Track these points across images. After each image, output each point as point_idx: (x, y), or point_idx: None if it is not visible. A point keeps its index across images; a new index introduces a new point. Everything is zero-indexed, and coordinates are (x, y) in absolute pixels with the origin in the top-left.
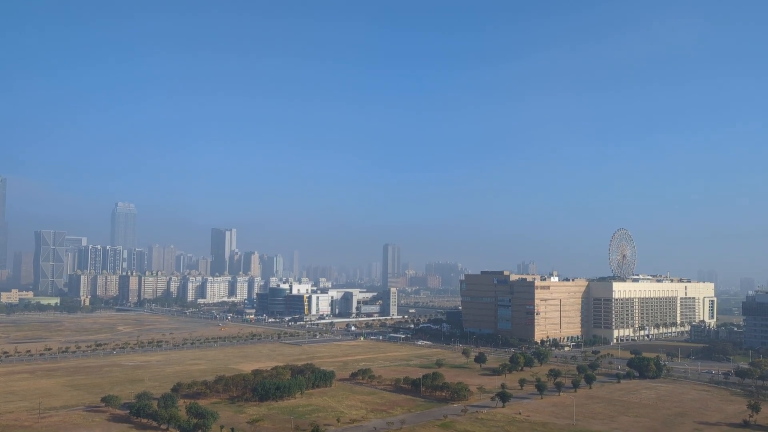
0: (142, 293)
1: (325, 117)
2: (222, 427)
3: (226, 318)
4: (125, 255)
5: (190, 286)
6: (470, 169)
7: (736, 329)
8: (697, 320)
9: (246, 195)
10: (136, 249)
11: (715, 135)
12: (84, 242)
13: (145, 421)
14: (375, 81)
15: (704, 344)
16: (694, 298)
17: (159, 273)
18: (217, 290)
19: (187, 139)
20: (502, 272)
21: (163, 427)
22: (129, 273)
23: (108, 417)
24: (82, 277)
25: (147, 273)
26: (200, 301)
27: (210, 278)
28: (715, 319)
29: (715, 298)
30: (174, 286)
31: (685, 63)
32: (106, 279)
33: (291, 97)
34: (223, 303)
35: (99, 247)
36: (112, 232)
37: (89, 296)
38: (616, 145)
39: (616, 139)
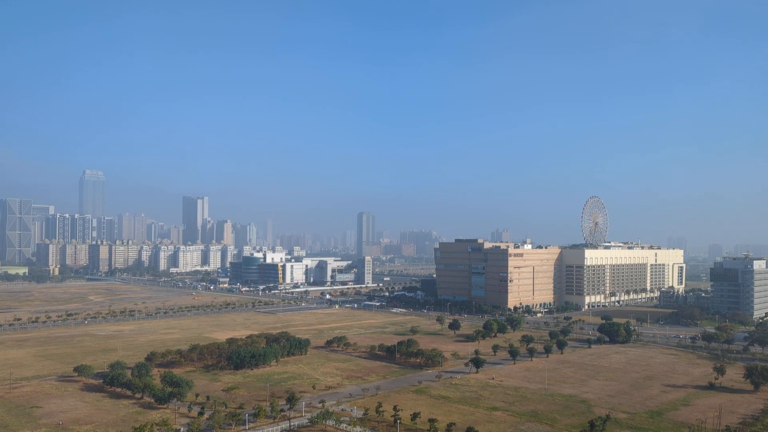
0: (112, 263)
1: (300, 79)
2: (197, 395)
3: (199, 287)
4: (94, 224)
5: (162, 255)
6: (444, 138)
7: (703, 295)
8: (666, 286)
9: (218, 162)
10: (106, 218)
11: (684, 103)
12: (51, 211)
13: (119, 390)
14: (350, 39)
15: (673, 309)
16: (663, 264)
17: (130, 242)
18: (189, 259)
19: (156, 105)
20: (476, 240)
21: (138, 396)
22: (99, 242)
23: (81, 386)
24: (51, 246)
25: (117, 242)
26: (172, 270)
27: (182, 247)
28: (683, 285)
29: (684, 265)
30: (145, 256)
31: (661, 24)
32: (75, 248)
33: (266, 57)
34: (196, 272)
35: (67, 215)
36: (81, 200)
37: (58, 266)
38: (589, 113)
39: (588, 108)
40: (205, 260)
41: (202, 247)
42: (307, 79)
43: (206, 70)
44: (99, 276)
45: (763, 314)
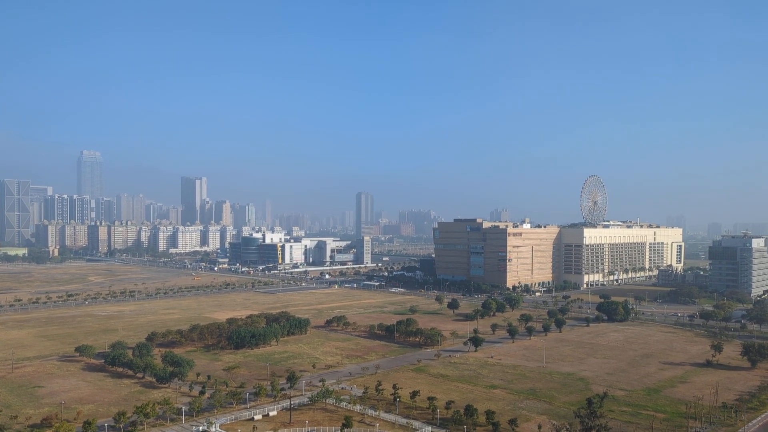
0: (112, 243)
1: (297, 58)
2: (198, 374)
3: (199, 267)
4: (93, 205)
5: (161, 235)
6: (443, 116)
7: (702, 273)
8: (665, 265)
9: (216, 143)
10: (104, 198)
11: (683, 77)
12: (50, 192)
13: (120, 369)
14: (345, 16)
15: (671, 288)
16: (662, 243)
17: (129, 223)
18: (188, 240)
19: (153, 85)
20: (474, 220)
21: (139, 375)
22: (98, 223)
23: (83, 366)
24: (50, 227)
25: (116, 223)
26: (172, 250)
27: (181, 228)
28: (682, 264)
29: (682, 243)
30: (144, 236)
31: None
32: (74, 229)
33: (260, 36)
34: (195, 252)
35: (65, 196)
36: (78, 181)
37: (58, 246)
38: (588, 89)
39: (587, 83)
40: (204, 241)
41: (201, 227)
42: (304, 57)
43: (202, 50)
44: (98, 257)
45: (761, 292)
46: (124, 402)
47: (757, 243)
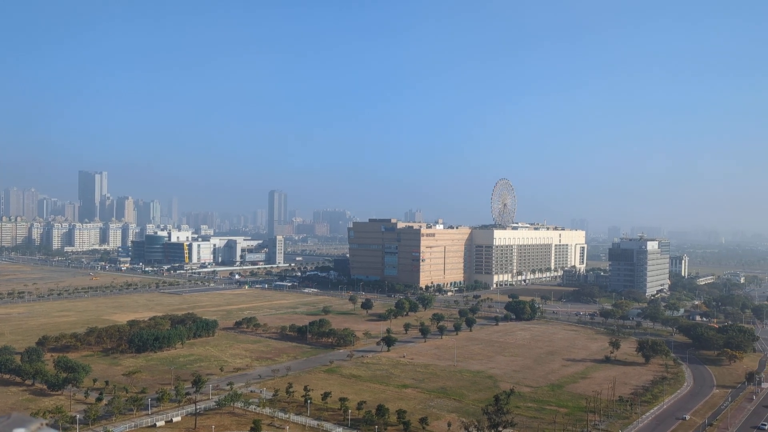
0: None
1: (203, 49)
2: (95, 380)
3: (98, 267)
4: None
5: (55, 233)
6: (357, 114)
7: (602, 273)
8: (569, 265)
9: (117, 136)
10: None
11: (583, 94)
12: None
13: (7, 376)
14: (251, 15)
15: (575, 288)
16: (567, 245)
17: (18, 219)
18: (86, 237)
19: (44, 72)
20: (389, 220)
21: (28, 382)
22: None
23: None
24: None
25: (4, 219)
26: (67, 249)
27: (78, 225)
28: (585, 264)
29: (585, 245)
30: (36, 233)
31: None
32: None
33: (166, 25)
34: (94, 251)
35: None
36: None
37: None
38: (501, 102)
39: (499, 97)
40: (104, 239)
41: (100, 224)
42: (213, 49)
43: (103, 39)
44: None
45: (655, 292)
46: (11, 411)
47: (651, 245)
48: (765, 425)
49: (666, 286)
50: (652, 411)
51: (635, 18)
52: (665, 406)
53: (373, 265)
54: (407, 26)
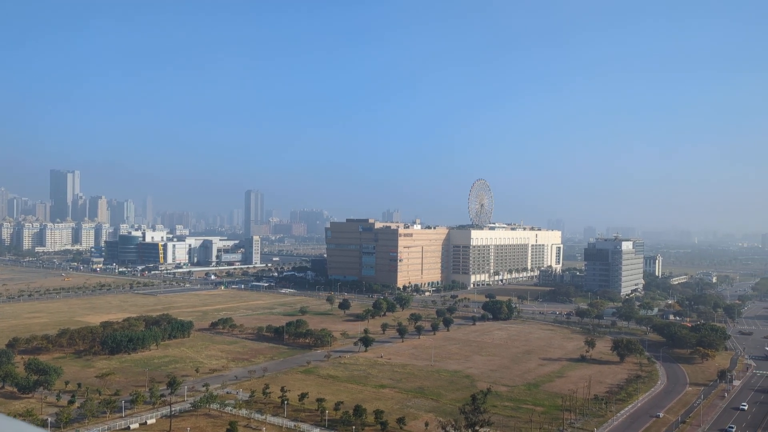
0: None
1: (181, 49)
2: (67, 383)
3: (70, 267)
4: None
5: (25, 233)
6: (335, 116)
7: (578, 273)
8: (545, 265)
9: (91, 133)
10: None
11: (560, 96)
12: None
13: None
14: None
15: (551, 287)
16: (543, 245)
17: None
18: (58, 238)
19: (17, 64)
20: (367, 220)
21: None
22: None
23: None
24: None
25: None
26: (38, 249)
27: (50, 225)
28: (561, 264)
29: (561, 245)
30: (6, 233)
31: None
32: None
33: (141, 22)
34: (67, 251)
35: None
36: None
37: None
38: (480, 104)
39: (479, 100)
40: (76, 239)
41: (73, 224)
42: (191, 50)
43: (75, 37)
44: None
45: (629, 291)
46: None
47: (626, 246)
48: (732, 428)
49: (640, 286)
50: (626, 409)
51: (613, 22)
52: (639, 404)
53: (351, 265)
54: (381, 34)
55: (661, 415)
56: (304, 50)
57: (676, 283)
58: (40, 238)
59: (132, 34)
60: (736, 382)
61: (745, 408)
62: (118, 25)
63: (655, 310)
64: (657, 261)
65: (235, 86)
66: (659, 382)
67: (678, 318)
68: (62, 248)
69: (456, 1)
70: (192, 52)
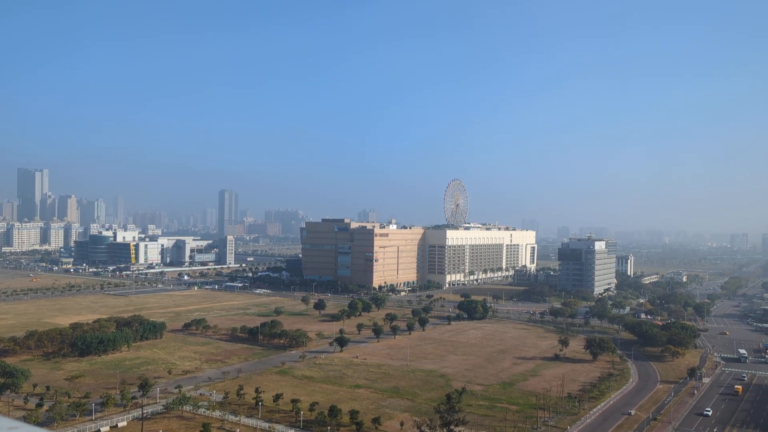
0: None
1: (152, 43)
2: (35, 385)
3: (38, 268)
4: None
5: None
6: (312, 114)
7: (552, 273)
8: (520, 265)
9: (59, 132)
10: None
11: (535, 100)
12: None
13: None
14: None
15: (525, 287)
16: (518, 245)
17: None
18: (26, 237)
19: None
20: (342, 220)
21: None
22: None
23: None
24: None
25: None
26: (5, 249)
27: (17, 224)
28: (535, 264)
29: (536, 245)
30: None
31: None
32: None
33: (109, 18)
34: (35, 252)
35: None
36: None
37: None
38: (458, 105)
39: (458, 103)
40: (45, 239)
41: (41, 224)
42: (165, 41)
43: (43, 30)
44: None
45: (602, 290)
46: None
47: (599, 245)
48: (709, 411)
49: (613, 285)
50: (599, 407)
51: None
52: (612, 402)
53: (326, 265)
54: (371, 45)
55: (633, 412)
56: (286, 63)
57: (648, 282)
58: (6, 238)
59: (100, 26)
60: (706, 380)
61: (709, 414)
62: (85, 15)
63: (627, 309)
64: (629, 261)
65: (212, 84)
66: (631, 380)
67: (649, 317)
68: (30, 248)
69: (437, 14)
70: (164, 37)
